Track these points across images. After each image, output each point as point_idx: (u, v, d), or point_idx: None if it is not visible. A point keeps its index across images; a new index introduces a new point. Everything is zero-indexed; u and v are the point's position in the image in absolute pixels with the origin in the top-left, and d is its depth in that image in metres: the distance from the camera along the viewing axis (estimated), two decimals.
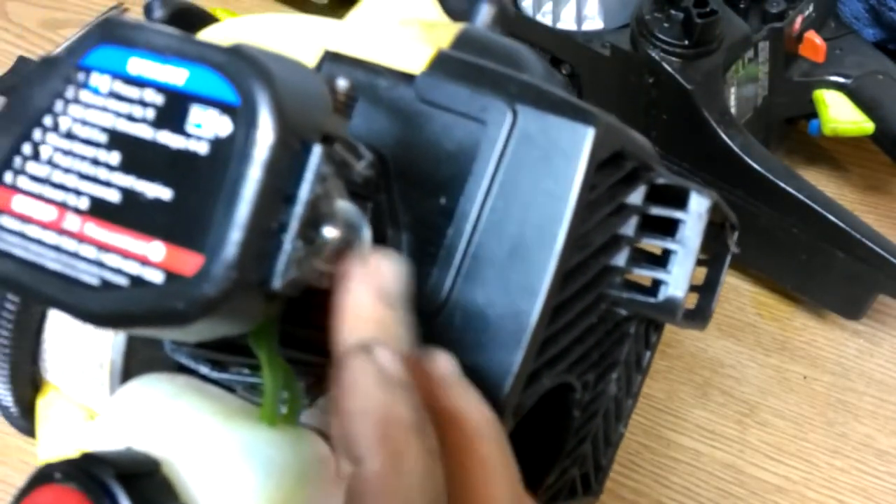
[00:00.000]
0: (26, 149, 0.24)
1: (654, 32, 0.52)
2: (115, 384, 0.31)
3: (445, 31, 0.32)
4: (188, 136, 0.23)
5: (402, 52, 0.30)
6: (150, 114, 0.23)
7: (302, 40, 0.31)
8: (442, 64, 0.29)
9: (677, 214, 0.30)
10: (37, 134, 0.24)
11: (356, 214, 0.24)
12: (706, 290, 0.32)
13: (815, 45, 0.58)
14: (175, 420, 0.26)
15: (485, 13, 0.34)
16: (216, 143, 0.22)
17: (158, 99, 0.23)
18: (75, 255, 0.23)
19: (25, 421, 0.33)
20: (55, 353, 0.32)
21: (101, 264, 0.23)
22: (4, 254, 0.24)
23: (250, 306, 0.22)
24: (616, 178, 0.29)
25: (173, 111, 0.23)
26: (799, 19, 0.58)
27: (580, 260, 0.29)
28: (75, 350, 0.31)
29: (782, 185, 0.52)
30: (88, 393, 0.32)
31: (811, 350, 0.59)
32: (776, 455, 0.55)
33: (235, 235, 0.21)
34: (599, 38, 0.56)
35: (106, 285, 0.22)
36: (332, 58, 0.31)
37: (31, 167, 0.24)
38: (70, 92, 0.24)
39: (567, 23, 0.58)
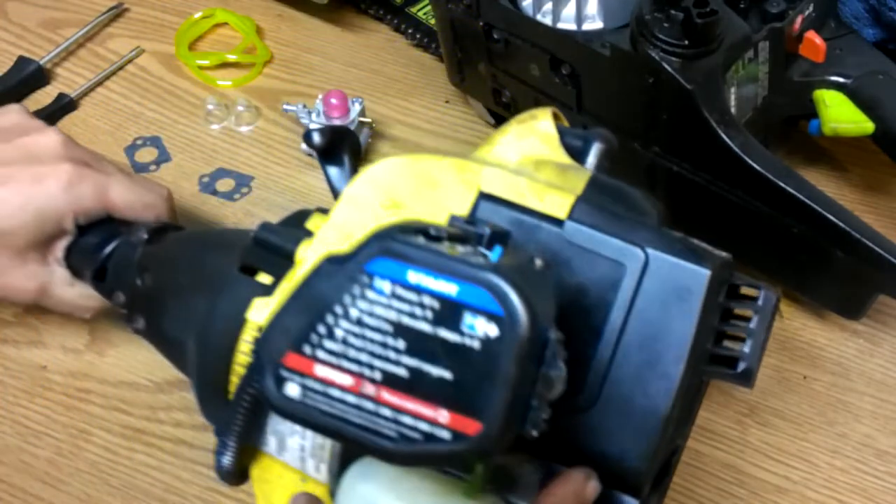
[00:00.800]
0: (321, 329, 0.32)
1: (654, 32, 0.52)
2: (336, 460, 0.38)
3: (576, 176, 0.39)
4: (462, 334, 0.30)
5: (544, 196, 0.38)
6: (429, 314, 0.31)
7: (457, 181, 0.38)
8: (582, 212, 0.37)
9: (751, 310, 0.38)
10: (329, 318, 0.32)
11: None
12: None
13: (815, 45, 0.58)
14: (407, 494, 0.34)
15: (597, 149, 0.41)
16: (486, 341, 0.30)
17: (435, 303, 0.31)
18: (374, 414, 0.31)
19: (234, 481, 0.40)
20: (279, 436, 0.40)
21: (397, 422, 0.31)
22: (314, 408, 0.32)
23: (504, 447, 0.31)
24: (714, 298, 0.37)
25: (449, 314, 0.30)
26: (799, 19, 0.58)
27: (689, 365, 0.36)
28: (301, 434, 0.39)
29: (782, 185, 0.52)
30: (307, 464, 0.39)
31: (811, 350, 0.59)
32: (776, 455, 0.55)
33: (504, 409, 0.30)
34: (599, 38, 0.56)
35: (402, 437, 0.31)
36: (485, 197, 0.38)
37: (328, 344, 0.31)
38: (357, 290, 0.31)
39: (567, 23, 0.58)
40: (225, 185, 0.68)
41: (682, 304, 0.35)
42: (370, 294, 0.31)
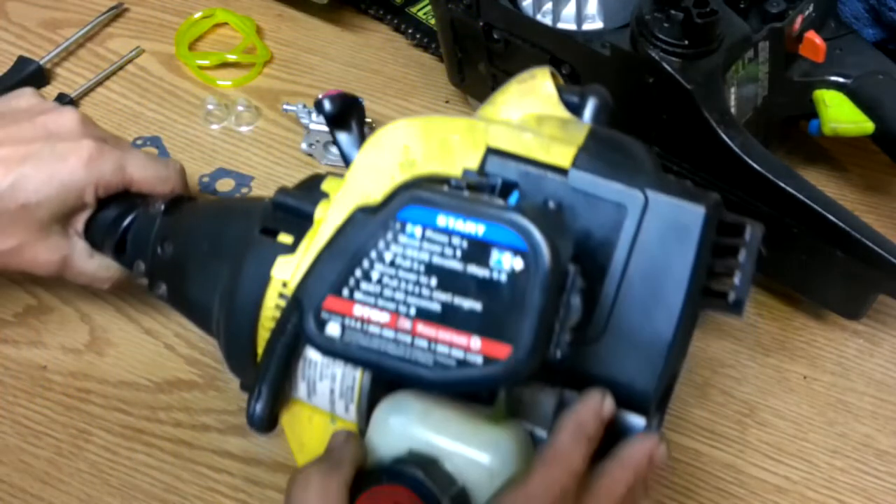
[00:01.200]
0: (357, 273, 0.35)
1: (654, 32, 0.52)
2: (364, 399, 0.41)
3: (576, 129, 0.42)
4: (490, 269, 0.34)
5: (549, 149, 0.40)
6: (458, 253, 0.34)
7: (465, 138, 0.41)
8: (584, 161, 0.40)
9: (739, 243, 0.40)
10: (365, 263, 0.35)
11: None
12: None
13: (815, 45, 0.58)
14: (436, 424, 0.37)
15: (593, 104, 0.43)
16: (512, 275, 0.34)
17: (463, 243, 0.34)
18: (410, 346, 0.34)
19: (266, 427, 0.42)
20: (309, 381, 0.42)
21: (432, 351, 0.34)
22: (353, 345, 0.35)
23: (533, 370, 0.34)
24: (709, 235, 0.39)
25: (477, 252, 0.34)
26: (799, 19, 0.58)
27: (688, 296, 0.38)
28: (331, 377, 0.42)
29: (782, 185, 0.52)
30: (336, 406, 0.42)
31: (811, 350, 0.59)
32: (776, 455, 0.55)
33: (532, 334, 0.33)
34: (599, 38, 0.56)
35: (437, 365, 0.34)
36: (493, 152, 0.40)
37: (364, 286, 0.35)
38: (390, 235, 0.35)
39: (567, 23, 0.58)
40: (225, 185, 0.68)
41: (681, 241, 0.38)
42: (402, 238, 0.35)
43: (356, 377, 0.41)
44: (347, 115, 0.47)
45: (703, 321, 0.56)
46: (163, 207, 0.51)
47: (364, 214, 0.36)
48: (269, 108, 0.73)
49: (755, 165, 0.52)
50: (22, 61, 0.74)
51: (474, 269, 0.34)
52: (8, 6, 0.81)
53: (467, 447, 0.37)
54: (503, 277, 0.34)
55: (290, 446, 0.44)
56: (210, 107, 0.71)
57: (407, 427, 0.37)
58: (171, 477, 0.54)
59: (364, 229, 0.35)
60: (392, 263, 0.35)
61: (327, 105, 0.47)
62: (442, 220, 0.34)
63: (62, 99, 0.72)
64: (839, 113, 0.58)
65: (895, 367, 0.58)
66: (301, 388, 0.42)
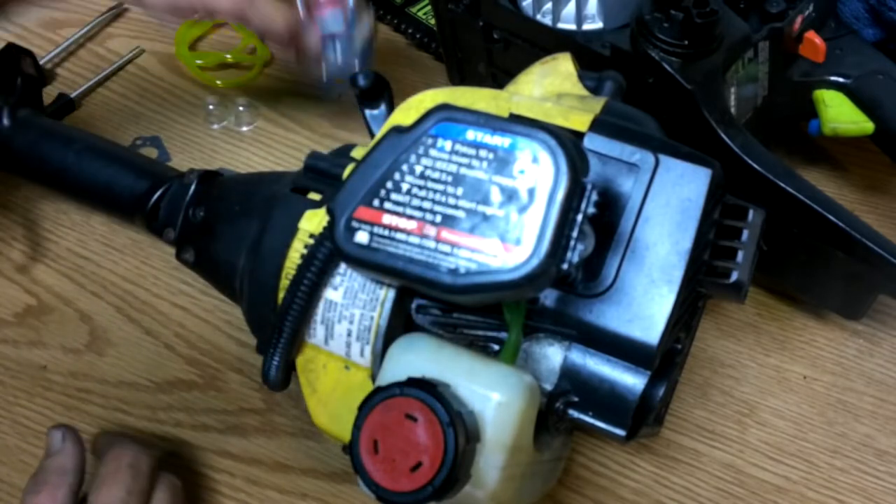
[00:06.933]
0: (389, 185, 0.38)
1: (654, 32, 0.52)
2: (380, 341, 0.42)
3: (594, 102, 0.45)
4: (514, 178, 0.36)
5: (568, 116, 0.43)
6: (485, 164, 0.37)
7: (489, 106, 0.43)
8: (600, 126, 0.42)
9: (742, 225, 0.43)
10: (396, 175, 0.38)
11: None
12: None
13: (815, 45, 0.58)
14: (448, 360, 0.38)
15: (609, 87, 0.47)
16: (534, 185, 0.36)
17: (490, 155, 0.37)
18: (434, 251, 0.36)
19: (280, 378, 0.44)
20: (328, 324, 0.43)
21: (454, 256, 0.36)
22: (379, 251, 0.37)
23: (548, 279, 0.36)
24: (713, 202, 0.42)
25: (503, 163, 0.36)
26: (799, 19, 0.58)
27: (694, 256, 0.41)
28: (349, 318, 0.43)
29: (782, 185, 0.52)
30: (352, 349, 0.43)
31: (811, 350, 0.59)
32: (776, 455, 0.55)
33: (549, 240, 0.35)
34: (599, 38, 0.56)
35: (459, 270, 0.36)
36: (515, 118, 0.42)
37: (395, 196, 0.37)
38: (421, 150, 0.38)
39: (567, 23, 0.58)
40: None
41: (688, 200, 0.40)
42: (433, 152, 0.37)
43: (374, 317, 0.42)
44: (378, 93, 0.49)
45: (704, 321, 0.56)
46: (196, 178, 0.54)
47: (398, 133, 0.38)
48: (269, 108, 0.73)
49: (755, 165, 0.52)
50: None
51: (498, 179, 0.36)
52: (8, 6, 0.81)
53: (478, 383, 0.38)
54: (526, 187, 0.36)
55: (302, 390, 0.45)
56: (210, 107, 0.71)
57: (415, 362, 0.38)
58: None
59: (398, 145, 0.38)
60: (422, 175, 0.37)
61: (361, 80, 0.49)
62: (471, 134, 0.37)
63: (62, 99, 0.72)
64: (839, 113, 0.58)
65: (895, 367, 0.58)
66: (319, 333, 0.44)
